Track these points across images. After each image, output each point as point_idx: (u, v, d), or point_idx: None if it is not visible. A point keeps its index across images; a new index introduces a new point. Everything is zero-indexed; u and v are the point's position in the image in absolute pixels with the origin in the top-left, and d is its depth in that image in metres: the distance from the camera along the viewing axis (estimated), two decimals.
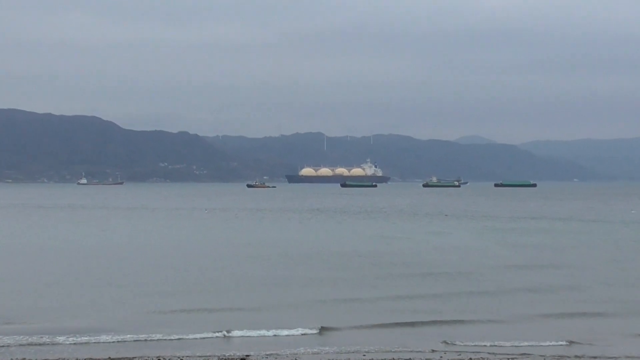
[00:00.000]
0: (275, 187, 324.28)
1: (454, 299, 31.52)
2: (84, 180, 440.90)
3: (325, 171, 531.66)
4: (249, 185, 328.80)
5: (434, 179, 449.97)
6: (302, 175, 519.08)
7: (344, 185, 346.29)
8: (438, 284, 36.02)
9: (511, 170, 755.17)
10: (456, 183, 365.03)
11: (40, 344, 23.05)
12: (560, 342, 23.74)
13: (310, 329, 24.76)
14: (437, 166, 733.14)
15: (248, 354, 21.40)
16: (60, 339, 23.63)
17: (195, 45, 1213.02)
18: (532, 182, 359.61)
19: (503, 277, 38.53)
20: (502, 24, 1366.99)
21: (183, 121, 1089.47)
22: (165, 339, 23.51)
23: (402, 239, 61.94)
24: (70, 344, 23.20)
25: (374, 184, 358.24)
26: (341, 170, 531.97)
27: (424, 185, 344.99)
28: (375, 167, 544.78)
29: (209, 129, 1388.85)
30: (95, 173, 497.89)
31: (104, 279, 37.40)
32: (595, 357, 21.78)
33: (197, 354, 21.51)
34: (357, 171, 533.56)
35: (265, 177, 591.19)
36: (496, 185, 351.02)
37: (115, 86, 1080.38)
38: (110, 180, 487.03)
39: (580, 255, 49.87)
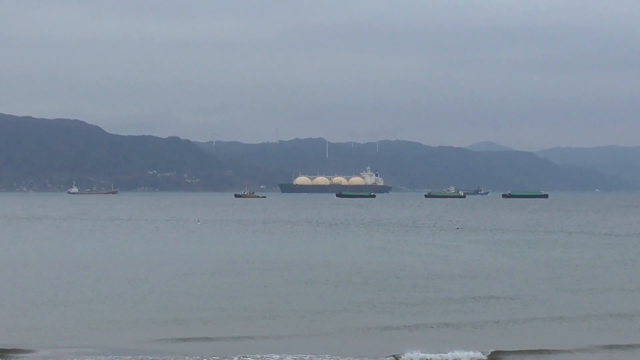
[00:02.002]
0: (265, 197, 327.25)
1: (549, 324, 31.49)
2: (74, 189, 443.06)
3: (321, 180, 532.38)
4: (237, 195, 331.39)
5: (452, 189, 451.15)
6: (296, 185, 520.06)
7: (339, 195, 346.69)
8: (515, 309, 35.16)
9: (528, 180, 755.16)
10: (461, 193, 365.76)
11: None
12: None
13: (482, 353, 26.02)
14: (449, 175, 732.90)
15: None
16: None
17: (187, 43, 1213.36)
18: (543, 192, 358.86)
19: (563, 302, 37.73)
20: (520, 19, 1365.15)
21: (173, 125, 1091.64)
22: None
23: (421, 255, 61.16)
24: None
25: (372, 194, 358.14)
26: (339, 179, 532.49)
27: (427, 196, 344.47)
28: (376, 175, 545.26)
29: (202, 134, 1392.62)
30: (78, 181, 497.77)
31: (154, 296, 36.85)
32: None
33: None
34: (356, 180, 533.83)
35: (261, 186, 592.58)
36: (504, 196, 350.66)
37: (100, 87, 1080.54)
38: (104, 189, 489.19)
39: (625, 275, 49.09)
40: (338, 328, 30.26)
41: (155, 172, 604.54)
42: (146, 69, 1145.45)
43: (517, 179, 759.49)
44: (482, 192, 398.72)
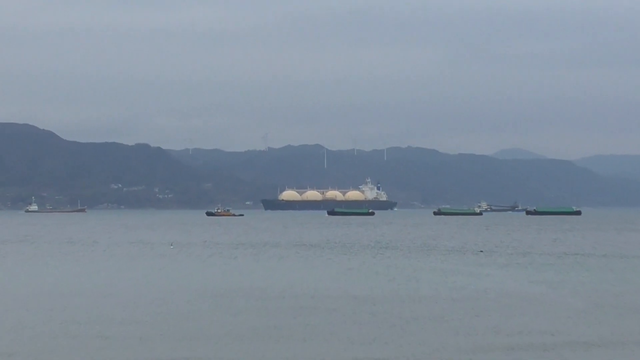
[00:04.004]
0: (242, 215, 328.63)
1: None
2: (34, 207, 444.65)
3: (312, 195, 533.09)
4: (208, 214, 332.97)
5: (484, 205, 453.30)
6: (282, 200, 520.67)
7: (331, 212, 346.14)
8: None
9: (565, 193, 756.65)
10: (477, 210, 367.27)
11: None
12: None
13: None
14: (470, 188, 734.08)
15: None
16: None
17: (158, 33, 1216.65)
18: (575, 208, 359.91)
19: (610, 338, 37.36)
20: (555, 3, 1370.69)
21: (142, 131, 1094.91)
22: None
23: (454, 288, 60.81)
24: None
25: (370, 210, 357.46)
26: (333, 194, 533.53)
27: (436, 213, 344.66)
28: (378, 189, 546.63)
29: (176, 141, 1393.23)
30: (27, 197, 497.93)
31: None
32: None
33: None
34: (353, 195, 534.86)
35: (247, 203, 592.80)
36: (528, 212, 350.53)
37: (54, 86, 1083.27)
38: (69, 206, 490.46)
39: None
40: None
41: (120, 186, 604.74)
42: (109, 65, 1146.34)
43: (552, 192, 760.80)
44: (520, 208, 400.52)
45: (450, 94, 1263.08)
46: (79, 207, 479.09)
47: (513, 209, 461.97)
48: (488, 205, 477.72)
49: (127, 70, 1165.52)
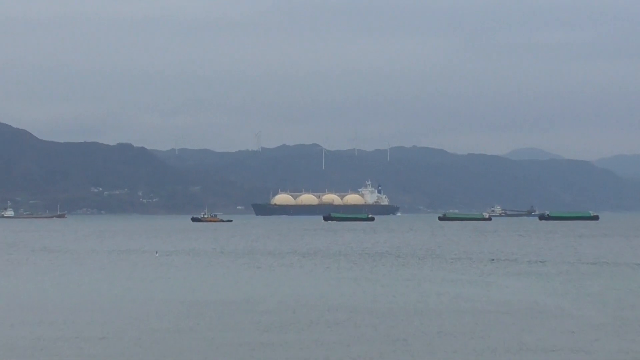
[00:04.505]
0: (231, 221, 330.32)
1: None
2: (9, 212, 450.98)
3: (307, 198, 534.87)
4: (194, 219, 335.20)
5: (498, 210, 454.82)
6: (274, 205, 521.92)
7: (327, 218, 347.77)
8: None
9: (584, 196, 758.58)
10: (486, 215, 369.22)
11: None
12: None
13: None
14: (481, 191, 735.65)
15: None
16: None
17: (141, 23, 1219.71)
18: (592, 213, 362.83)
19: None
20: None
21: (124, 129, 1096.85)
22: None
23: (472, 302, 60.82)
24: None
25: (370, 215, 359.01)
26: (330, 197, 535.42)
27: (441, 219, 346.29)
28: (379, 192, 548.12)
29: (161, 141, 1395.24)
30: (1, 202, 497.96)
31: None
32: None
33: None
34: (352, 198, 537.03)
35: (238, 207, 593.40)
36: (541, 218, 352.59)
37: (29, 81, 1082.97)
38: (48, 212, 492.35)
39: None
40: None
41: (100, 189, 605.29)
42: (89, 57, 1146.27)
43: (569, 196, 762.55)
44: (537, 212, 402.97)
45: (460, 88, 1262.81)
46: (59, 213, 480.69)
47: (529, 214, 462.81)
48: (502, 210, 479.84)
49: (108, 63, 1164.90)
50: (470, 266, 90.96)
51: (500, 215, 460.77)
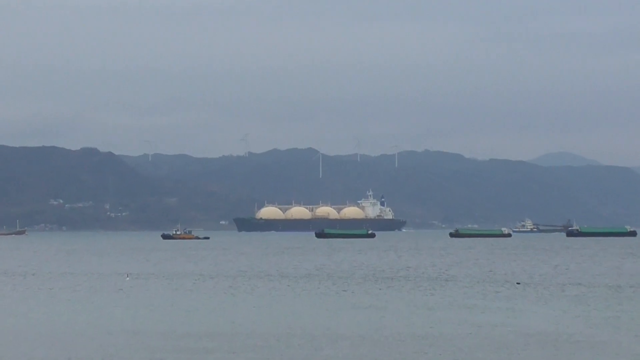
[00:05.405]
0: (208, 238, 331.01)
1: None
2: None
3: (298, 212, 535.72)
4: (165, 236, 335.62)
5: (529, 225, 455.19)
6: (260, 219, 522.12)
7: (320, 235, 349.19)
8: None
9: (625, 207, 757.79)
10: (505, 231, 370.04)
11: None
12: None
13: None
14: (505, 202, 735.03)
15: None
16: None
17: (107, 9, 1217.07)
18: (629, 228, 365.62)
19: None
20: None
21: (89, 131, 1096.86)
22: None
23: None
24: None
25: (370, 232, 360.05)
26: (325, 211, 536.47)
27: (453, 235, 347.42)
28: (382, 204, 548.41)
29: (132, 145, 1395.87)
30: None
31: None
32: None
33: None
34: (350, 211, 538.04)
35: (221, 222, 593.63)
36: (570, 234, 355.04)
37: None
38: (5, 228, 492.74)
39: None
40: None
41: (61, 201, 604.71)
42: (46, 49, 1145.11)
43: (608, 207, 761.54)
44: (574, 227, 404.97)
45: (479, 83, 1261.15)
46: (18, 229, 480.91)
47: (566, 229, 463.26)
48: (534, 224, 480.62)
49: (69, 56, 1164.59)
50: (489, 290, 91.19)
51: (532, 231, 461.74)
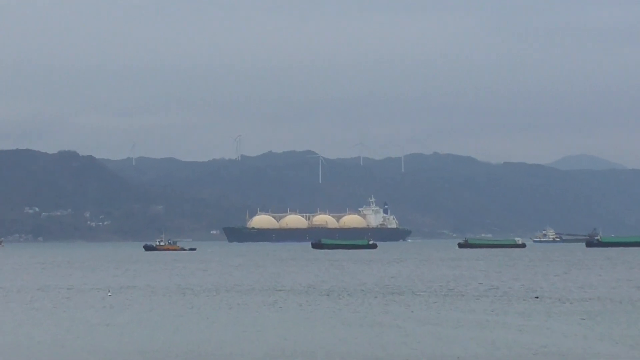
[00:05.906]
0: (195, 249, 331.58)
1: None
2: None
3: (293, 220, 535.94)
4: (147, 248, 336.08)
5: (550, 234, 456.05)
6: (252, 229, 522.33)
7: (317, 245, 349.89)
8: None
9: None
10: (518, 240, 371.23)
11: None
12: None
13: None
14: (522, 209, 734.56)
15: None
16: None
17: (89, 3, 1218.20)
18: None
19: None
20: None
21: (67, 133, 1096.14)
22: None
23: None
24: None
25: (371, 242, 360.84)
26: (322, 219, 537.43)
27: (461, 245, 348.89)
28: (385, 212, 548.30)
29: (114, 147, 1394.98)
30: None
31: None
32: None
33: None
34: (351, 220, 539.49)
35: (212, 232, 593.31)
36: (589, 244, 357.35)
37: None
38: None
39: None
40: None
41: (37, 210, 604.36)
42: (21, 48, 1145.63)
43: (634, 215, 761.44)
44: (598, 237, 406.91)
45: (491, 81, 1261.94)
46: None
47: (592, 238, 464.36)
48: (557, 234, 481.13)
49: (46, 54, 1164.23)
50: (504, 305, 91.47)
51: (554, 241, 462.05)
